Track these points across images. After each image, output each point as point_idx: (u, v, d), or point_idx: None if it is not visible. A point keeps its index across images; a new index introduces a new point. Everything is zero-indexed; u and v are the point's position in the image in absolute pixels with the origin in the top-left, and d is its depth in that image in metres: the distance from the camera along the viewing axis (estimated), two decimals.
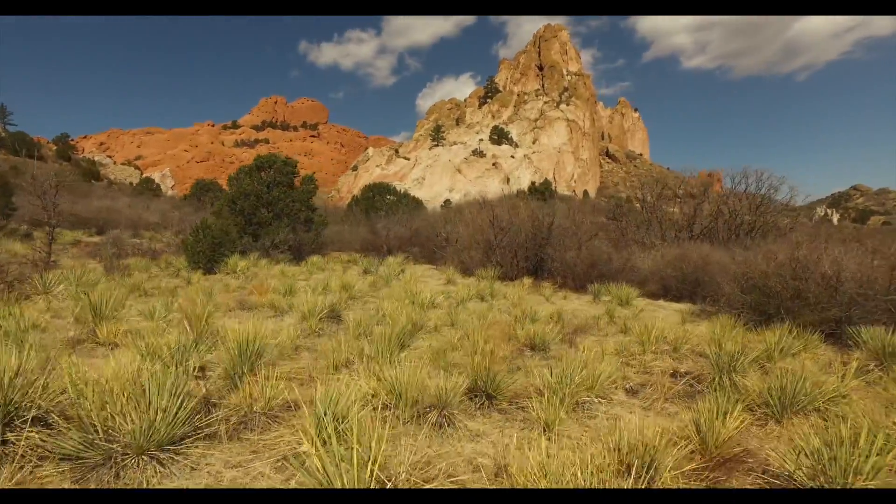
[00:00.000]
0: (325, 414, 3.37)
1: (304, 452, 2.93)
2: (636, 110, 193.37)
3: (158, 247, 20.06)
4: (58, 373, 3.82)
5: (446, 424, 3.84)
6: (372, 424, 3.70)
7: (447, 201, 79.40)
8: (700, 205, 21.19)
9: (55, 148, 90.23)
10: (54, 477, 2.85)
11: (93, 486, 2.81)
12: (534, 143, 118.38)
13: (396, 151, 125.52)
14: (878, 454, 3.01)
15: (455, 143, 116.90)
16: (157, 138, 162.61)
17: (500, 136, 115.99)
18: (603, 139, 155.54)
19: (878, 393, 5.22)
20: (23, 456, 2.91)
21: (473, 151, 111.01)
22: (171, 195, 72.80)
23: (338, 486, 2.49)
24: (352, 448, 2.54)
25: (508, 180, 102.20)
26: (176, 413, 3.21)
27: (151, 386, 3.29)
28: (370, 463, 2.53)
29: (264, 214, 21.78)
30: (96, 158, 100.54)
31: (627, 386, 5.30)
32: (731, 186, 22.62)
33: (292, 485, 2.92)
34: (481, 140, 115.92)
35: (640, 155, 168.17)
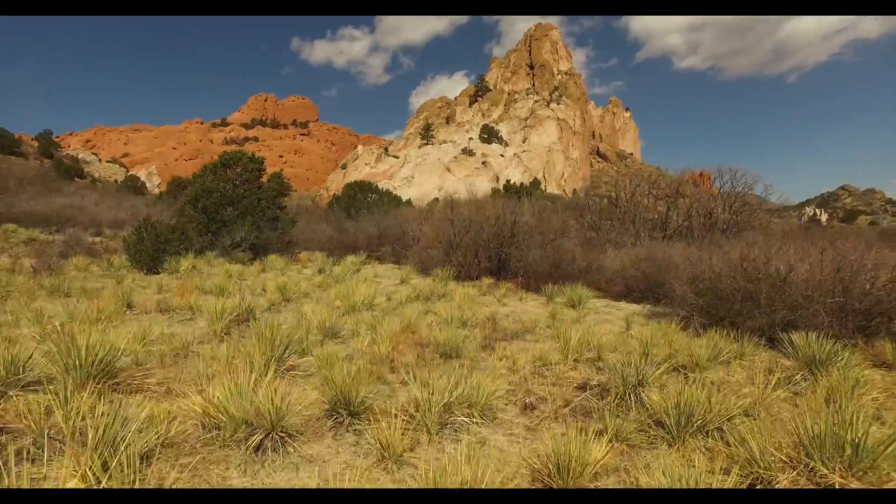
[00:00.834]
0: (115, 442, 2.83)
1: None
2: (627, 110, 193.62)
3: (115, 245, 19.40)
4: None
5: (273, 450, 3.31)
6: (172, 451, 3.17)
7: (435, 200, 78.83)
8: (673, 203, 20.78)
9: (37, 145, 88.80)
10: None
11: None
12: (524, 141, 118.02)
13: (386, 150, 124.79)
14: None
15: (445, 142, 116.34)
16: (145, 136, 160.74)
17: (489, 135, 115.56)
18: (594, 138, 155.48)
19: (795, 406, 4.75)
20: None
21: (463, 150, 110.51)
22: (157, 193, 71.70)
23: None
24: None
25: (498, 179, 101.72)
26: None
27: None
28: None
29: (228, 213, 21.16)
30: (80, 156, 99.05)
31: (528, 400, 4.79)
32: (717, 186, 22.24)
33: None
34: (471, 139, 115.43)
35: (631, 154, 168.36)
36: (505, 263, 16.06)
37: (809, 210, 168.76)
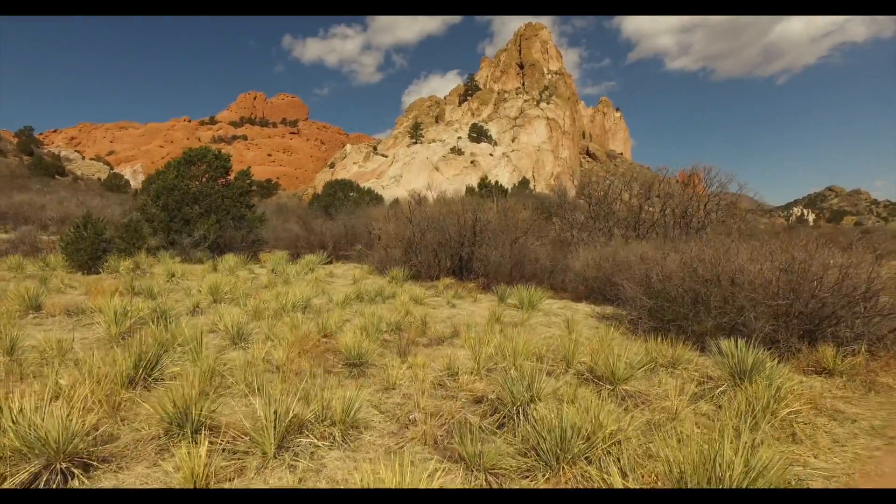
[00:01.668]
0: None
1: None
2: (618, 110, 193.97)
3: None
4: None
5: (49, 483, 2.80)
6: None
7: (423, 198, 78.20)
8: (646, 202, 20.41)
9: (17, 141, 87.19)
10: None
11: None
12: (513, 141, 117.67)
13: (374, 149, 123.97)
14: None
15: (434, 141, 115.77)
16: (131, 133, 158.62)
17: (479, 134, 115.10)
18: (584, 138, 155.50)
19: (711, 421, 4.31)
20: None
21: (452, 149, 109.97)
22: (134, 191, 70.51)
23: None
24: None
25: (487, 178, 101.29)
26: None
27: None
28: None
29: (190, 211, 20.53)
30: (63, 153, 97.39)
31: (412, 416, 4.31)
32: (706, 185, 21.90)
33: None
34: (460, 138, 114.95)
35: (621, 154, 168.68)
36: (468, 264, 15.60)
37: (797, 210, 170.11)
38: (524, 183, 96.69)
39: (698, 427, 4.30)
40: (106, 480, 2.97)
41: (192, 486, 2.83)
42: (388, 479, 2.69)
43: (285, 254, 19.08)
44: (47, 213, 23.99)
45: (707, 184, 20.24)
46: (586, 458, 3.45)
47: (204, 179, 22.35)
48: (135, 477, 3.06)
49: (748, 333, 7.26)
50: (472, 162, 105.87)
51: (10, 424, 2.98)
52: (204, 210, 21.01)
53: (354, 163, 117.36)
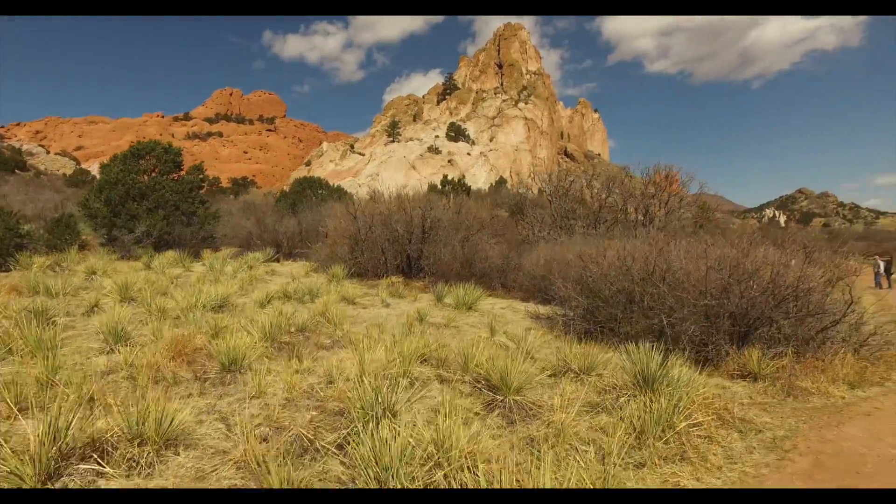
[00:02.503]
0: None
1: None
2: (596, 111, 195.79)
3: None
4: None
5: None
6: None
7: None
8: (606, 200, 20.17)
9: None
10: None
11: None
12: (491, 140, 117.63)
13: (352, 147, 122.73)
14: None
15: (411, 140, 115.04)
16: (101, 128, 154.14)
17: (456, 133, 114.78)
18: (562, 139, 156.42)
19: (606, 436, 3.85)
20: None
21: (429, 148, 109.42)
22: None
23: None
24: None
25: (464, 178, 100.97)
26: None
27: None
28: None
29: (136, 206, 19.57)
30: (25, 147, 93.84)
31: (261, 430, 3.76)
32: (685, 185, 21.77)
33: None
34: (437, 137, 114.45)
35: (599, 155, 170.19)
36: (417, 262, 15.07)
37: (769, 212, 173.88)
38: (501, 182, 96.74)
39: (583, 444, 3.83)
40: None
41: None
42: None
43: (231, 251, 18.28)
44: None
45: (672, 182, 20.09)
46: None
47: (153, 174, 21.41)
48: None
49: (675, 336, 6.89)
50: (449, 161, 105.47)
51: None
52: (152, 206, 20.09)
53: (331, 161, 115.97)
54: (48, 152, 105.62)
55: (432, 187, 30.50)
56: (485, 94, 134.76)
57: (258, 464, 3.16)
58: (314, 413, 4.12)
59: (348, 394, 3.93)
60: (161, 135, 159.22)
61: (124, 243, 17.59)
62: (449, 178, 34.92)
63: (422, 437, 3.28)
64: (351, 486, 2.99)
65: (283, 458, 3.14)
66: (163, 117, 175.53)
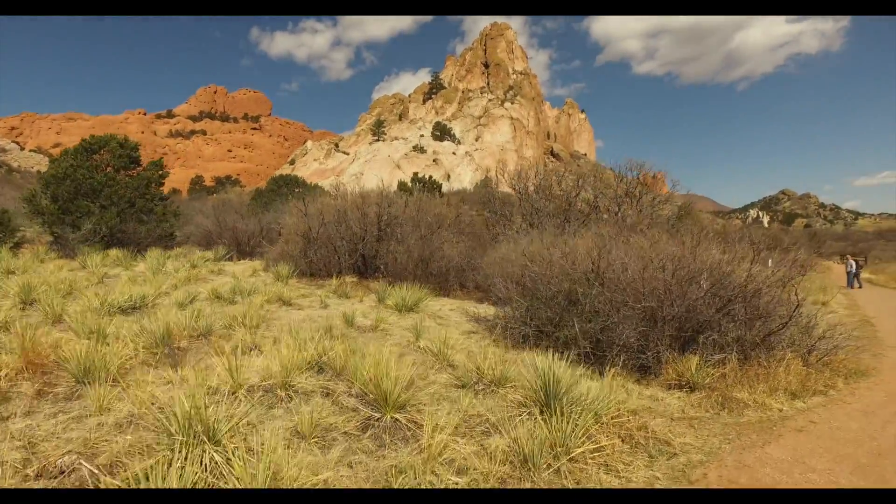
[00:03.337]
0: None
1: None
2: (583, 111, 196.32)
3: None
4: None
5: None
6: None
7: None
8: (576, 196, 19.68)
9: None
10: None
11: None
12: (477, 140, 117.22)
13: (336, 146, 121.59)
14: None
15: (396, 139, 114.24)
16: (80, 125, 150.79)
17: (442, 133, 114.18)
18: (549, 139, 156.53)
19: (487, 464, 3.25)
20: None
21: (414, 147, 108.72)
22: None
23: None
24: None
25: (449, 177, 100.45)
26: None
27: None
28: None
29: (87, 203, 18.68)
30: None
31: (60, 461, 3.11)
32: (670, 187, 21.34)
33: None
34: (423, 136, 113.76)
35: (585, 155, 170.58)
36: (372, 261, 14.43)
37: (753, 212, 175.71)
38: (486, 182, 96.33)
39: (455, 475, 3.24)
40: None
41: None
42: None
43: (185, 249, 17.50)
44: None
45: (657, 182, 19.63)
46: None
47: (108, 169, 20.53)
48: None
49: (610, 342, 6.34)
50: (434, 160, 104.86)
51: None
52: (105, 203, 19.21)
53: (315, 160, 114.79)
54: (23, 149, 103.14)
55: (402, 185, 29.83)
56: (471, 94, 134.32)
57: None
58: (143, 434, 3.48)
59: (176, 412, 3.28)
60: (143, 132, 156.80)
61: (69, 241, 16.72)
62: (428, 176, 34.23)
63: (233, 470, 2.66)
64: None
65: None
66: (145, 114, 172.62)
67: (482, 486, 3.10)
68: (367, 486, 3.07)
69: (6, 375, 4.48)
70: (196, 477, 2.81)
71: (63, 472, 3.08)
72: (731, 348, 6.23)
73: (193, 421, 3.03)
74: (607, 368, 5.84)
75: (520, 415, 4.08)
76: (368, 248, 14.06)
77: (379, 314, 8.73)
